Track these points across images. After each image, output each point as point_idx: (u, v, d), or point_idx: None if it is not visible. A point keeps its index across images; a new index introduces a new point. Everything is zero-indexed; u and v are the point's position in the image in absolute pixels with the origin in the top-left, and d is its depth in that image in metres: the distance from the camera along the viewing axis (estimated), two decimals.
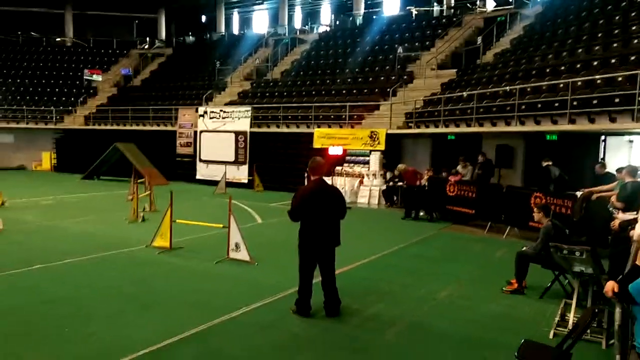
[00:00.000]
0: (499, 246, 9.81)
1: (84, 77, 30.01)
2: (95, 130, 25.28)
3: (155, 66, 31.47)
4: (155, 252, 8.55)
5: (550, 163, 11.08)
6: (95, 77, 29.99)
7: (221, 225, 8.41)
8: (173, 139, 22.39)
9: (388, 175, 16.35)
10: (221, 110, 20.89)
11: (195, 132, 21.42)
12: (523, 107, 12.41)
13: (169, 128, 22.86)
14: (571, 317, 5.36)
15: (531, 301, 6.44)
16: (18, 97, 28.13)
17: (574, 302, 5.48)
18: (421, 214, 13.20)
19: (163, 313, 5.65)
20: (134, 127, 24.02)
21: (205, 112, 21.11)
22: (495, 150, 13.69)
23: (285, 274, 6.99)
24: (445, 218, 12.82)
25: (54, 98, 28.51)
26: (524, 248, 7.04)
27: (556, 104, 11.43)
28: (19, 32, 32.86)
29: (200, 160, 21.17)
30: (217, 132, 20.65)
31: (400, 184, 15.11)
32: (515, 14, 21.32)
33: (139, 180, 14.02)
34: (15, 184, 19.38)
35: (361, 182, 16.70)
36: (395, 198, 15.51)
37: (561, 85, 11.81)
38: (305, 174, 12.56)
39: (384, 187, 16.00)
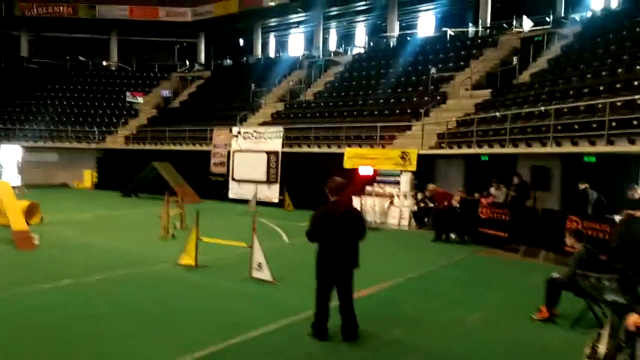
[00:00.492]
0: (533, 271, 9.37)
1: (127, 99, 31.20)
2: (134, 150, 26.11)
3: (194, 88, 32.42)
4: (180, 270, 8.63)
5: (587, 186, 10.63)
6: (136, 99, 31.11)
7: (245, 244, 8.42)
8: (207, 158, 22.85)
9: (419, 196, 16.07)
10: (254, 131, 21.22)
11: (229, 152, 21.79)
12: (559, 127, 12.02)
13: (204, 148, 23.35)
14: (602, 350, 5.03)
15: (561, 331, 6.09)
16: (64, 119, 29.48)
17: (606, 332, 5.14)
18: (452, 236, 12.88)
19: (180, 332, 5.64)
20: (171, 147, 24.70)
21: (239, 133, 21.48)
22: (530, 171, 13.26)
23: (307, 295, 6.81)
24: (478, 241, 12.43)
25: (97, 119, 29.74)
26: (555, 274, 6.71)
27: (594, 125, 11.01)
28: (67, 57, 34.60)
29: (233, 179, 21.47)
30: (249, 152, 20.94)
31: (431, 205, 14.84)
32: (553, 33, 20.91)
33: (171, 198, 14.33)
34: (56, 201, 20.13)
35: (391, 203, 16.47)
36: (426, 220, 15.21)
37: (599, 105, 11.39)
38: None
39: (415, 208, 15.73)
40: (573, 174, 12.23)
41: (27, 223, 13.06)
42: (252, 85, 27.06)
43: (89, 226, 13.69)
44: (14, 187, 23.37)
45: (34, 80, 32.49)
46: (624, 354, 4.31)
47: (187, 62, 35.86)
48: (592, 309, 6.18)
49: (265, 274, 7.99)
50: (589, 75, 14.10)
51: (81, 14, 34.74)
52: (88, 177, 27.63)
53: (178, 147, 24.49)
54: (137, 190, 22.56)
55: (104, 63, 36.01)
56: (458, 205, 13.09)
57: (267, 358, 5.01)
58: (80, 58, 34.93)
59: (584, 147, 11.32)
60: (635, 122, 10.21)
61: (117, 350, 5.09)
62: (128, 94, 31.39)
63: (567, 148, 11.78)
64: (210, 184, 22.49)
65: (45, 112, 29.55)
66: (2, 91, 31.25)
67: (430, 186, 14.15)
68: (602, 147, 10.77)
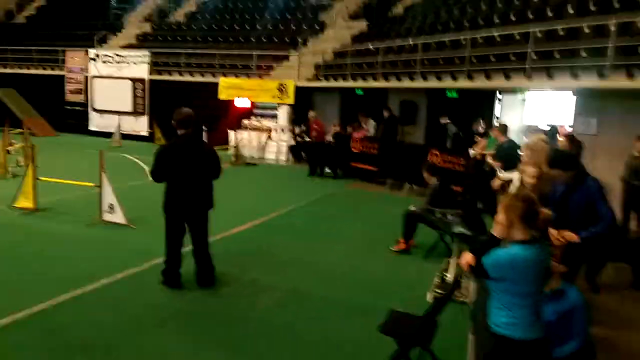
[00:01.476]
0: (397, 204, 9.73)
1: None
2: None
3: (43, 1, 27.89)
4: (16, 214, 7.52)
5: (448, 121, 11.16)
6: None
7: (92, 184, 7.52)
8: (62, 85, 20.16)
9: (297, 130, 15.85)
10: (116, 54, 19.00)
11: (87, 78, 19.40)
12: (426, 62, 12.30)
13: (57, 72, 20.48)
14: (450, 278, 5.33)
15: (417, 261, 6.39)
16: None
17: (454, 261, 5.43)
18: (327, 170, 12.98)
19: (4, 289, 4.85)
20: (16, 70, 21.29)
21: (97, 56, 19.10)
22: (399, 106, 13.62)
23: None
24: (350, 175, 12.66)
25: None
26: (412, 207, 6.92)
27: (457, 60, 11.41)
28: None
29: (94, 110, 19.33)
30: (111, 79, 18.82)
31: (308, 140, 14.73)
32: None
33: (11, 130, 12.44)
34: None
35: (269, 137, 16.08)
36: (303, 155, 15.13)
37: (462, 41, 11.76)
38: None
39: (293, 142, 15.53)
40: (438, 108, 12.78)
41: None
42: (112, 0, 23.95)
43: None
44: None
45: None
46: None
47: None
48: (443, 239, 6.53)
49: (118, 217, 7.25)
50: (455, 11, 14.48)
51: None
52: None
53: (25, 71, 21.19)
54: None
55: None
56: (332, 140, 13.12)
57: (109, 310, 4.50)
58: None
59: (446, 82, 11.76)
60: (493, 59, 10.72)
61: None
62: None
63: (432, 83, 12.16)
64: (67, 115, 20.05)
65: None
66: None
67: (311, 114, 13.94)
68: (462, 82, 11.25)
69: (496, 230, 2.63)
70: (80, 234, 6.76)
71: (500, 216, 2.60)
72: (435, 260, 6.25)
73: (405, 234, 6.68)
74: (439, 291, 4.94)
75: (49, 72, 20.80)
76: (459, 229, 5.13)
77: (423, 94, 13.66)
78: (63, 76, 20.21)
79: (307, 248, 6.70)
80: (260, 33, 19.83)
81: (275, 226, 7.79)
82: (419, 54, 12.50)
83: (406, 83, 12.98)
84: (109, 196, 7.28)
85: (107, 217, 7.32)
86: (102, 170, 7.27)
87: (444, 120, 11.19)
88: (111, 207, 7.30)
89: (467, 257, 2.70)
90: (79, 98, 19.81)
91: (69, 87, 20.02)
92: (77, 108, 19.88)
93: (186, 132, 5.03)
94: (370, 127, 13.13)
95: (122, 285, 5.11)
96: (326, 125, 14.55)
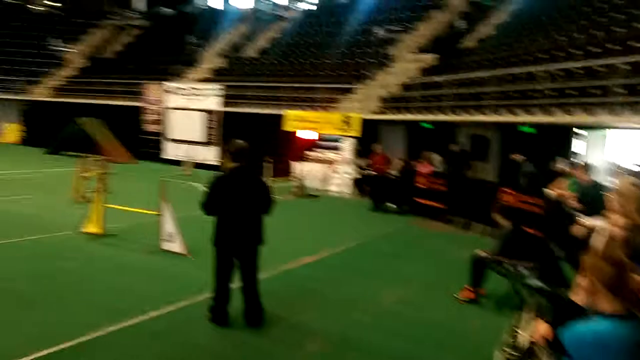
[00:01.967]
0: (465, 245, 9.09)
1: (52, 46, 28.58)
2: (63, 103, 24.06)
3: (132, 38, 30.14)
4: (83, 239, 7.76)
5: (521, 157, 10.40)
6: (64, 47, 28.59)
7: (156, 212, 7.62)
8: (141, 115, 21.36)
9: (361, 162, 15.60)
10: (190, 87, 19.90)
11: (163, 109, 20.41)
12: (498, 95, 11.70)
13: (137, 103, 21.77)
14: (523, 339, 4.71)
15: (485, 312, 5.79)
16: None
17: (527, 318, 4.83)
18: (393, 206, 12.55)
19: (48, 318, 4.83)
20: (102, 101, 22.90)
21: (173, 88, 20.09)
22: (469, 141, 13.00)
23: None
24: (416, 212, 12.14)
25: (22, 68, 27.13)
26: (480, 251, 6.34)
27: (531, 94, 10.74)
28: None
29: (168, 139, 20.21)
30: (186, 110, 19.68)
31: (372, 173, 14.42)
32: None
33: (91, 157, 13.12)
34: None
35: (333, 170, 15.93)
36: (366, 188, 14.79)
37: (538, 73, 11.08)
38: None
39: (357, 175, 15.27)
40: (511, 144, 12.03)
41: None
42: (192, 37, 25.36)
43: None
44: None
45: None
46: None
47: (123, 9, 33.15)
48: (517, 290, 5.89)
49: (176, 246, 7.27)
50: (534, 43, 13.79)
51: None
52: (13, 131, 25.41)
53: (109, 102, 22.73)
54: (64, 147, 20.83)
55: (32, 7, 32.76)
56: (397, 174, 12.72)
57: (148, 347, 4.36)
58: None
59: (521, 117, 11.07)
60: (573, 93, 9.98)
61: None
62: (54, 40, 28.73)
63: (504, 117, 11.51)
64: (145, 143, 21.13)
65: None
66: None
67: (377, 147, 13.55)
68: (538, 117, 10.53)
69: (578, 297, 2.17)
70: (137, 262, 6.82)
71: (583, 279, 2.14)
72: (507, 312, 5.64)
73: (473, 281, 6.10)
74: (510, 352, 4.35)
75: (130, 103, 22.15)
76: (535, 282, 4.54)
77: (495, 129, 12.98)
78: (142, 107, 21.42)
79: (362, 289, 6.31)
80: (327, 67, 20.04)
81: (330, 264, 7.48)
82: (490, 86, 11.95)
83: (476, 117, 12.41)
84: (168, 225, 7.34)
85: (166, 245, 7.36)
86: (162, 199, 7.37)
87: (517, 157, 10.45)
88: (170, 236, 7.34)
89: (543, 329, 2.24)
90: (156, 128, 20.86)
91: (146, 117, 21.16)
92: (153, 137, 20.90)
93: (239, 165, 4.91)
94: (436, 162, 12.57)
95: (167, 319, 4.98)
96: (392, 158, 14.17)
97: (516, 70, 12.21)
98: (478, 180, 11.09)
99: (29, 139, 24.31)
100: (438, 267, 7.67)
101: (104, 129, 20.06)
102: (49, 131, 21.72)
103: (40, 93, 25.62)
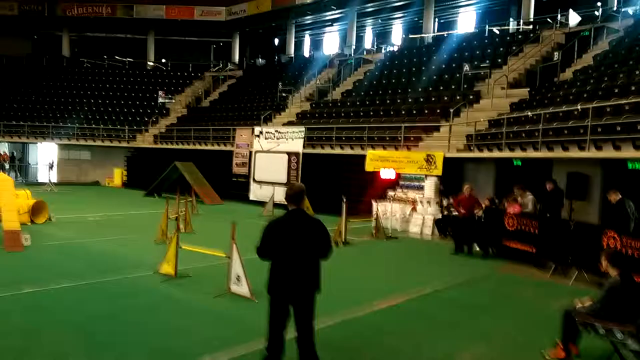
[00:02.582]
0: (560, 294, 8.06)
1: (158, 98, 31.34)
2: (161, 149, 26.01)
3: (225, 88, 32.19)
4: (157, 279, 7.92)
5: (620, 197, 9.14)
6: (167, 98, 31.21)
7: (224, 254, 7.61)
8: (230, 158, 22.35)
9: (444, 202, 14.83)
10: (276, 131, 20.50)
11: (251, 153, 21.18)
12: (599, 129, 10.56)
13: (227, 148, 22.86)
14: None
15: None
16: (98, 117, 29.83)
17: None
18: (477, 249, 11.64)
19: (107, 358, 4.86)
20: (196, 147, 24.40)
21: (261, 132, 20.82)
22: (566, 178, 11.79)
23: None
24: (503, 255, 11.13)
25: (130, 118, 29.93)
26: (578, 302, 5.45)
27: (639, 127, 9.52)
28: (105, 57, 35.19)
29: (254, 181, 20.82)
30: (271, 153, 20.23)
31: (456, 213, 13.59)
32: (602, 28, 19.03)
33: (181, 198, 13.73)
34: (78, 199, 20.22)
35: (414, 209, 15.30)
36: (449, 230, 13.94)
37: None
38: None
39: (439, 215, 14.50)
40: (615, 182, 10.71)
41: (32, 222, 12.96)
42: (280, 84, 26.42)
43: (93, 227, 13.29)
44: (43, 184, 23.99)
45: (73, 80, 33.20)
46: None
47: (221, 62, 35.74)
48: (618, 350, 4.96)
49: (243, 289, 7.15)
50: (638, 72, 12.45)
51: (119, 14, 35.25)
52: (118, 175, 27.81)
53: (202, 147, 24.16)
54: (161, 190, 22.28)
55: (149, 62, 36.42)
56: (482, 214, 11.82)
57: None
58: (117, 57, 35.48)
59: (627, 152, 9.83)
60: None
61: None
62: (160, 92, 31.50)
63: (607, 153, 10.31)
64: (233, 185, 21.96)
65: (80, 111, 30.02)
66: (43, 90, 32.09)
67: (466, 186, 12.66)
68: None
69: None
70: (203, 305, 6.77)
71: None
72: None
73: (565, 337, 5.25)
74: None
75: (221, 147, 23.33)
76: (636, 346, 3.74)
77: (597, 165, 11.68)
78: (232, 151, 22.41)
79: (436, 344, 5.67)
80: (411, 105, 19.68)
81: (402, 313, 6.89)
82: (589, 120, 10.84)
83: (573, 153, 11.27)
84: (237, 267, 7.27)
85: (234, 288, 7.28)
86: (233, 240, 7.34)
87: (615, 197, 9.19)
88: (238, 278, 7.26)
89: None
90: (243, 170, 21.64)
91: (236, 160, 22.08)
92: (241, 179, 21.67)
93: (296, 208, 4.68)
94: (528, 201, 11.48)
95: None
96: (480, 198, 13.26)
97: (621, 101, 11.02)
98: (577, 222, 9.89)
99: (132, 183, 26.37)
100: (526, 321, 6.77)
101: (196, 172, 21.18)
102: (149, 175, 23.41)
103: (143, 140, 27.92)
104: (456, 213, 13.42)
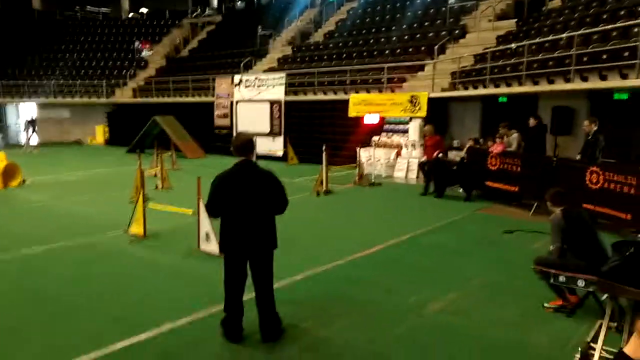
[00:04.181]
0: (542, 235, 7.89)
1: (137, 50, 30.11)
2: (141, 104, 25.23)
3: (205, 35, 30.89)
4: (126, 240, 7.66)
5: (596, 127, 8.79)
6: (143, 50, 29.98)
7: (190, 211, 7.31)
8: (212, 110, 21.70)
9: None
10: (256, 78, 19.76)
11: (232, 103, 20.52)
12: (585, 59, 10.05)
13: (208, 99, 22.14)
14: (597, 353, 3.70)
15: (555, 321, 4.74)
16: (74, 72, 28.75)
17: (603, 329, 3.79)
18: (460, 190, 11.41)
19: (67, 330, 4.63)
20: (176, 99, 23.65)
21: (241, 81, 20.09)
22: (551, 113, 11.39)
23: None
24: (487, 197, 10.92)
25: (107, 72, 28.87)
26: (552, 247, 5.19)
27: (625, 54, 9.02)
28: (77, 7, 33.52)
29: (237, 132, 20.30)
30: (252, 102, 19.60)
31: (440, 155, 13.27)
32: None
33: (162, 153, 13.28)
34: (56, 159, 19.73)
35: (398, 154, 14.96)
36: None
37: (635, 29, 9.30)
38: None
39: (423, 158, 14.17)
40: (603, 114, 10.32)
41: (5, 186, 12.59)
42: (260, 28, 25.31)
43: (69, 187, 12.92)
44: (22, 146, 23.40)
45: (46, 34, 31.72)
46: None
47: (199, 7, 34.12)
48: (594, 294, 4.77)
49: (212, 247, 6.89)
50: None
51: None
52: (100, 132, 27.17)
53: (182, 99, 23.41)
54: (143, 145, 21.76)
55: (125, 12, 34.74)
56: (465, 156, 11.52)
57: None
58: (89, 8, 33.82)
59: (613, 82, 9.39)
60: None
61: None
62: (137, 43, 30.23)
63: (592, 84, 9.86)
64: (216, 138, 21.43)
65: (56, 67, 28.91)
66: (16, 47, 30.70)
67: (427, 128, 12.35)
68: (633, 81, 8.83)
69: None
70: (170, 266, 6.52)
71: None
72: (585, 320, 4.59)
73: (556, 288, 4.99)
74: None
75: (201, 99, 22.59)
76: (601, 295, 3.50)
77: (584, 98, 11.26)
78: (213, 102, 21.72)
79: (409, 293, 5.48)
80: (395, 44, 18.89)
81: (377, 262, 6.69)
82: (575, 49, 10.30)
83: (559, 86, 10.80)
84: (205, 224, 6.99)
85: (204, 246, 7.04)
86: (199, 196, 7.02)
87: (590, 127, 8.83)
88: (207, 236, 7.00)
89: None
90: (225, 122, 21.06)
91: (217, 112, 21.44)
92: (224, 132, 21.12)
93: (244, 160, 4.31)
94: (513, 140, 11.13)
95: (180, 334, 4.53)
96: (466, 136, 12.89)
97: (607, 27, 10.43)
98: (560, 158, 9.60)
99: (114, 140, 25.77)
100: (505, 264, 6.59)
101: (177, 125, 20.60)
102: (132, 131, 22.80)
103: (122, 95, 27.04)
104: (440, 155, 13.13)
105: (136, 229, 7.90)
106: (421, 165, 13.97)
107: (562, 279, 3.77)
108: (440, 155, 11.48)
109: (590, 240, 4.63)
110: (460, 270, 6.33)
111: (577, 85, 10.18)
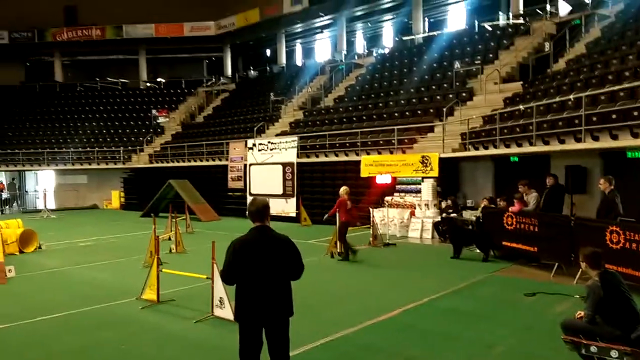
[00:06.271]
0: (563, 297, 7.64)
1: (153, 117, 31.18)
2: (156, 168, 25.76)
3: (219, 102, 32.00)
4: (138, 306, 7.55)
5: (612, 187, 8.70)
6: (160, 117, 31.04)
7: (205, 277, 7.24)
8: (226, 173, 22.04)
9: (443, 204, 14.43)
10: (269, 142, 20.21)
11: (245, 166, 20.87)
12: (594, 119, 10.16)
13: (222, 162, 22.56)
14: None
15: None
16: (92, 140, 29.67)
17: None
18: (477, 251, 11.20)
19: None
20: (190, 163, 24.13)
21: (254, 145, 20.53)
22: (565, 172, 11.37)
23: None
24: (506, 257, 10.69)
25: (124, 139, 29.75)
26: (579, 313, 4.94)
27: (635, 113, 9.12)
28: (98, 79, 35.17)
29: (250, 194, 20.46)
30: (265, 165, 19.92)
31: (454, 215, 13.22)
32: (592, 15, 18.67)
33: (176, 217, 13.34)
34: (72, 224, 19.90)
35: (412, 214, 14.89)
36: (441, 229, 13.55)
37: None
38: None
39: (438, 218, 14.08)
40: (615, 173, 10.27)
41: (21, 251, 12.68)
42: (272, 94, 26.19)
43: (84, 253, 12.92)
44: (39, 211, 23.76)
45: (67, 104, 33.13)
46: None
47: (214, 77, 35.62)
48: None
49: (226, 312, 6.76)
50: (630, 57, 12.05)
51: (108, 35, 35.25)
52: (116, 197, 27.59)
53: (197, 163, 23.89)
54: (158, 209, 21.96)
55: (142, 82, 36.34)
56: (480, 215, 11.43)
57: None
58: (110, 79, 35.44)
59: (625, 141, 9.42)
60: None
61: None
62: (154, 111, 31.34)
63: (604, 143, 9.90)
64: (229, 200, 21.64)
65: (75, 135, 29.88)
66: (37, 117, 32.00)
67: (341, 190, 11.47)
68: None
69: None
70: (182, 332, 6.38)
71: None
72: None
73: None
74: None
75: (215, 162, 23.03)
76: None
77: (596, 157, 11.28)
78: (226, 166, 22.10)
79: None
80: (403, 107, 19.34)
81: (395, 328, 6.47)
82: (584, 109, 10.44)
83: (569, 145, 10.86)
84: (219, 289, 6.89)
85: (217, 311, 6.91)
86: (213, 261, 6.98)
87: (606, 187, 8.74)
88: (221, 300, 6.89)
89: None
90: (239, 184, 21.32)
91: (231, 174, 21.77)
92: (237, 194, 21.33)
93: (260, 225, 4.31)
94: (531, 198, 11.00)
95: None
96: (479, 195, 12.80)
97: (614, 88, 10.62)
98: (577, 217, 9.46)
99: (130, 204, 26.09)
100: (528, 330, 6.32)
101: (191, 188, 20.87)
102: (147, 195, 23.13)
103: (139, 160, 27.69)
104: (454, 215, 13.09)
105: (150, 294, 7.81)
106: (436, 225, 13.90)
107: (593, 349, 3.58)
108: (454, 215, 11.39)
109: (625, 307, 4.45)
110: (481, 336, 6.09)
111: (590, 144, 10.22)
